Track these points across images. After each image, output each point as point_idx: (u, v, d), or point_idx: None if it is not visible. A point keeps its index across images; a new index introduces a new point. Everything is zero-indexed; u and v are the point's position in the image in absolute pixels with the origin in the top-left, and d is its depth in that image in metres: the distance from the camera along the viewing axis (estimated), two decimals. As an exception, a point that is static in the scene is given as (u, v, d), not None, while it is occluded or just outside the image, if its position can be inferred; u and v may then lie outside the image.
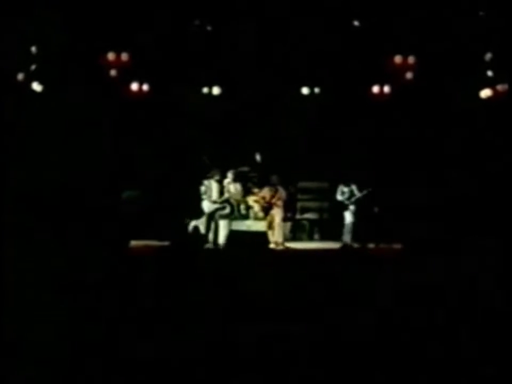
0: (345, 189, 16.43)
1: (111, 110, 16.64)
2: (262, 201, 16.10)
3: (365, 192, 16.16)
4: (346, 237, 16.23)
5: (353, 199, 16.29)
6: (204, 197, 16.30)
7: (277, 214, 16.07)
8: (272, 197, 16.01)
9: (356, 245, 15.75)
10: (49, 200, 14.82)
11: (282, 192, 16.17)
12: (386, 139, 17.38)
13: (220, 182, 16.28)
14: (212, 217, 16.20)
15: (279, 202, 16.10)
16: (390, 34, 16.46)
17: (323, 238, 17.55)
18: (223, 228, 16.03)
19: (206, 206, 16.29)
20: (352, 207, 16.35)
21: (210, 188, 16.26)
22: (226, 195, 16.46)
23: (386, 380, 5.34)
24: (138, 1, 15.71)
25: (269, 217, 16.04)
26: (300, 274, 8.60)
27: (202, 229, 16.08)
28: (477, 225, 14.42)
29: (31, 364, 5.52)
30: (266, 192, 16.10)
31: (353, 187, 16.38)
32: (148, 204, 17.08)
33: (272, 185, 16.10)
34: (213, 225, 16.11)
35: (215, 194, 16.26)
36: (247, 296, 7.26)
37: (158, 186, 16.80)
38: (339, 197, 16.46)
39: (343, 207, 16.37)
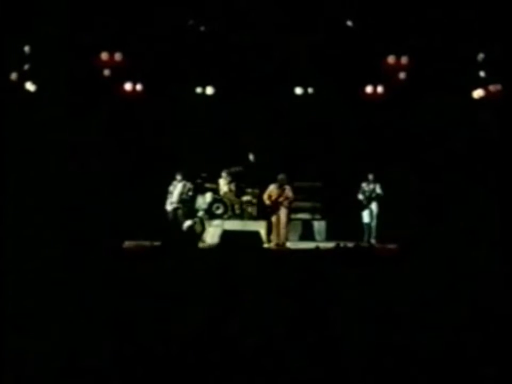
0: (366, 188, 16.38)
1: (104, 110, 16.63)
2: (268, 200, 15.85)
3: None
4: (370, 237, 16.24)
5: (374, 197, 16.19)
6: (169, 196, 16.35)
7: (283, 214, 15.91)
8: (279, 196, 15.81)
9: (349, 245, 15.67)
10: (42, 200, 14.79)
11: (289, 192, 15.93)
12: (379, 138, 17.43)
13: (183, 182, 16.25)
14: (174, 216, 16.26)
15: (286, 202, 15.93)
16: (384, 35, 16.50)
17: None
18: (216, 227, 16.01)
19: (168, 205, 16.36)
20: (374, 206, 16.30)
21: (175, 188, 16.32)
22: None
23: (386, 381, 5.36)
24: (132, 1, 15.70)
25: (274, 217, 15.86)
26: (296, 274, 8.61)
27: (197, 228, 16.11)
28: (472, 224, 14.47)
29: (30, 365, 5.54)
30: (273, 191, 15.85)
31: (376, 186, 16.32)
32: (141, 203, 17.06)
33: (279, 184, 15.82)
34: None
35: (175, 195, 16.28)
36: (241, 296, 7.27)
37: (151, 186, 16.73)
38: (360, 196, 16.42)
39: (361, 206, 16.32)
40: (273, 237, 15.83)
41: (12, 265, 8.44)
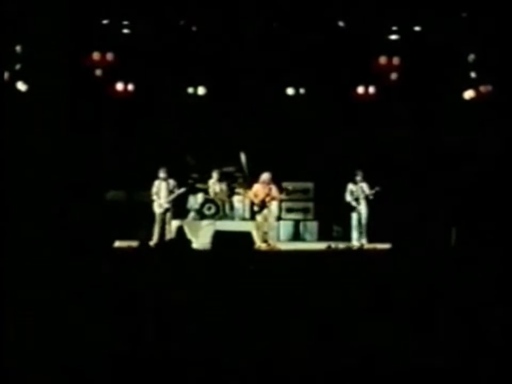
0: (354, 188, 16.26)
1: (96, 110, 16.60)
2: (255, 200, 15.69)
3: (377, 189, 16.00)
4: (360, 237, 16.15)
5: (361, 199, 16.09)
6: (154, 197, 15.92)
7: (270, 214, 15.78)
8: (267, 195, 15.60)
9: (341, 246, 15.69)
10: (33, 200, 14.75)
11: (275, 192, 15.77)
12: (371, 139, 17.46)
13: (167, 181, 15.92)
14: (163, 217, 15.94)
15: (273, 202, 15.89)
16: (375, 35, 16.54)
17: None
18: (207, 228, 15.94)
19: (156, 207, 15.96)
20: (362, 207, 16.28)
21: (160, 188, 15.92)
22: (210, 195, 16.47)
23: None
24: (124, 1, 15.69)
25: (260, 218, 15.71)
26: (289, 275, 8.62)
27: (187, 230, 15.99)
28: (466, 224, 14.55)
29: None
30: (259, 190, 15.64)
31: (364, 185, 16.15)
32: (133, 204, 17.02)
33: (265, 183, 15.65)
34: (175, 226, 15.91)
35: (163, 195, 15.92)
36: (236, 298, 7.26)
37: (144, 186, 16.64)
38: (348, 198, 16.24)
39: (350, 207, 16.26)
40: (258, 237, 15.45)
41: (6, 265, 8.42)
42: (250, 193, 15.90)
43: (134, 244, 14.81)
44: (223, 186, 16.73)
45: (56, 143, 15.25)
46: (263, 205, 15.68)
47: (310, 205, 18.06)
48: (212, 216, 16.47)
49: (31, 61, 14.87)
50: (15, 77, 15.03)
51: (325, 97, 17.33)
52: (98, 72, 16.29)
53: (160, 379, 5.50)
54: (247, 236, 14.89)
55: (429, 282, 7.97)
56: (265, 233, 15.75)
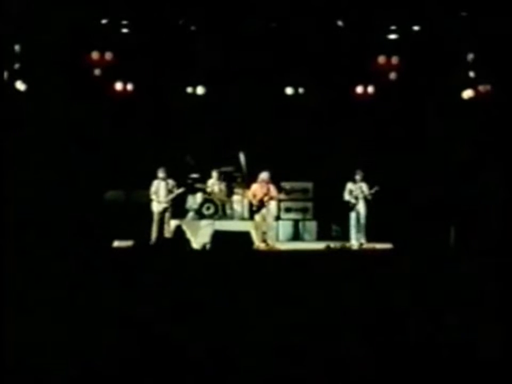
0: (353, 187, 16.26)
1: (95, 110, 16.59)
2: (254, 199, 15.72)
3: (376, 188, 16.01)
4: (359, 237, 16.12)
5: (360, 198, 16.09)
6: (153, 197, 16.01)
7: (269, 214, 15.84)
8: (265, 195, 15.67)
9: (338, 245, 15.65)
10: (31, 200, 14.75)
11: (274, 191, 15.82)
12: (369, 138, 17.46)
13: (166, 181, 16.01)
14: (161, 217, 16.01)
15: (272, 202, 15.89)
16: (374, 34, 16.56)
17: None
18: (206, 228, 15.94)
19: (155, 206, 16.05)
20: (361, 206, 16.28)
21: (159, 188, 16.00)
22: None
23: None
24: (123, 0, 15.70)
25: (259, 217, 15.76)
26: (288, 276, 8.61)
27: (186, 230, 16.00)
28: (468, 224, 14.55)
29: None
30: (258, 190, 15.69)
31: (363, 185, 16.11)
32: (131, 204, 17.02)
33: (264, 183, 15.71)
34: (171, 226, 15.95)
35: (162, 194, 16.00)
36: (235, 299, 7.26)
37: (143, 186, 16.64)
38: (347, 196, 16.23)
39: (349, 207, 16.27)
40: (257, 236, 15.47)
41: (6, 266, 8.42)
42: (249, 193, 15.92)
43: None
44: (222, 186, 16.72)
45: (55, 142, 15.28)
46: (261, 204, 15.71)
47: (309, 204, 18.04)
48: (211, 216, 16.45)
49: (31, 61, 14.89)
50: (15, 76, 15.04)
51: (323, 96, 17.33)
52: (97, 71, 16.29)
53: (160, 378, 5.50)
54: (246, 235, 14.91)
55: (429, 282, 7.98)
56: (264, 233, 15.77)
